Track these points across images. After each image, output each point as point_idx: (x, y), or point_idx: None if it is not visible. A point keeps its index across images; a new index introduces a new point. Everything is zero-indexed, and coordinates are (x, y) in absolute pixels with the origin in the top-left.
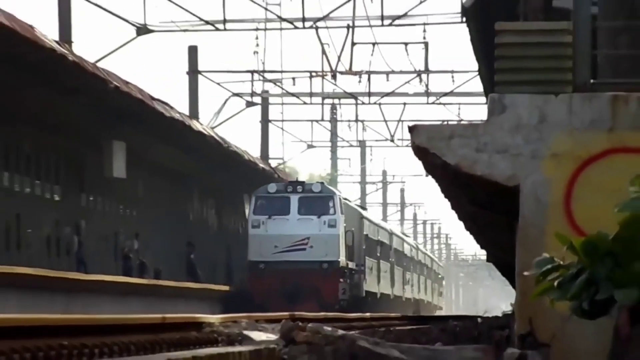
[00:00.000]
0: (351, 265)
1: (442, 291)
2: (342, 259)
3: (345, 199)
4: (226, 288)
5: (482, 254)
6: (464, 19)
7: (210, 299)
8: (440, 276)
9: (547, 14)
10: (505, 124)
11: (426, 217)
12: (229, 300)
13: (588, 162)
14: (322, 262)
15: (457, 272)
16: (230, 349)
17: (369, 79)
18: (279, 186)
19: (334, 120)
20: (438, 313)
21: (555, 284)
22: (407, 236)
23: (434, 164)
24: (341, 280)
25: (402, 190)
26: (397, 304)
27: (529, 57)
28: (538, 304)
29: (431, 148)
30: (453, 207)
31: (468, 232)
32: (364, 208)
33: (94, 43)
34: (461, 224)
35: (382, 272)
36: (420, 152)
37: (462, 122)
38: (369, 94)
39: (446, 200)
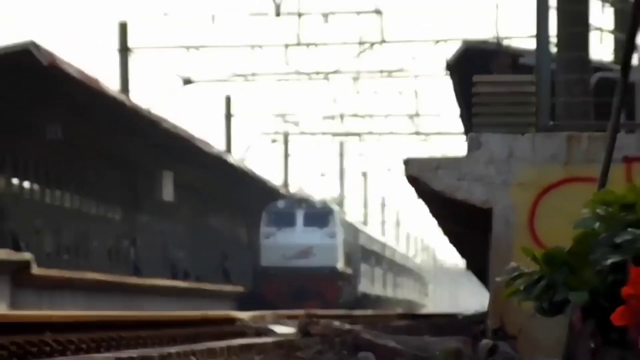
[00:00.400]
0: (348, 270)
1: (427, 292)
2: (340, 265)
3: (344, 216)
4: (241, 289)
5: (462, 263)
6: (448, 73)
7: (228, 299)
8: (426, 280)
9: (514, 69)
10: (481, 158)
11: (416, 232)
12: (243, 300)
13: (548, 189)
14: (323, 267)
15: (441, 277)
16: (257, 340)
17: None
18: (287, 202)
19: (341, 155)
20: (424, 311)
21: (522, 287)
22: (397, 248)
23: (423, 190)
24: (339, 283)
25: (397, 212)
26: (389, 304)
27: (500, 104)
28: (507, 304)
29: (421, 177)
30: (439, 225)
31: (451, 245)
32: (364, 224)
33: (147, 91)
34: (446, 239)
35: (375, 277)
36: (413, 180)
37: (446, 157)
38: (371, 133)
39: (434, 219)
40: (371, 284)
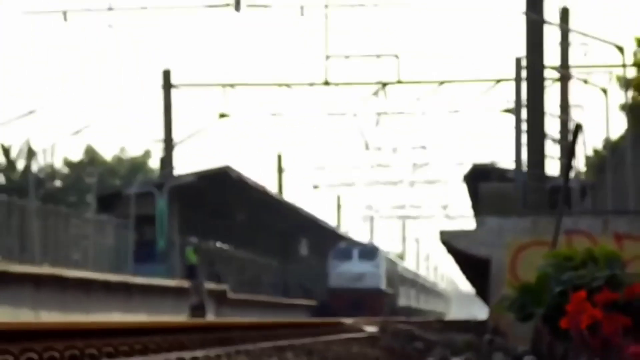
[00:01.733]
0: (390, 291)
1: (450, 307)
2: (384, 286)
3: (387, 253)
4: (314, 302)
5: (473, 290)
6: (465, 182)
7: (306, 309)
8: (448, 299)
9: (503, 180)
10: (484, 230)
11: (443, 267)
12: (315, 311)
13: (522, 249)
14: (371, 288)
15: (460, 299)
16: (356, 334)
17: None
18: (346, 244)
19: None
20: (448, 318)
21: (507, 305)
22: (427, 277)
23: (451, 248)
24: (383, 299)
25: (427, 255)
26: (421, 313)
27: (494, 200)
28: (499, 315)
29: (449, 241)
30: (460, 268)
31: (466, 278)
32: (402, 259)
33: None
34: (463, 275)
35: (410, 295)
36: (445, 243)
37: (464, 230)
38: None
39: (457, 264)
40: (407, 300)
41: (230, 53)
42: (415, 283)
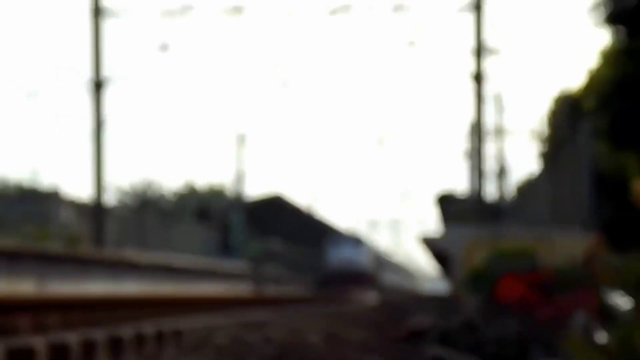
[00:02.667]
0: (374, 272)
1: (422, 285)
2: (367, 268)
3: (372, 245)
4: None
5: (439, 273)
6: (436, 203)
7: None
8: (422, 280)
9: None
10: (448, 235)
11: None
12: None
13: (472, 246)
14: (358, 269)
15: (431, 280)
16: (367, 304)
17: None
18: (338, 236)
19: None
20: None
21: (464, 284)
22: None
23: (427, 247)
24: (369, 278)
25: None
26: (401, 289)
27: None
28: (458, 290)
29: (426, 243)
30: (433, 260)
31: (435, 266)
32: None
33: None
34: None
35: (391, 276)
36: (423, 243)
37: (435, 236)
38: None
39: (430, 257)
40: (388, 279)
41: None
42: (395, 268)
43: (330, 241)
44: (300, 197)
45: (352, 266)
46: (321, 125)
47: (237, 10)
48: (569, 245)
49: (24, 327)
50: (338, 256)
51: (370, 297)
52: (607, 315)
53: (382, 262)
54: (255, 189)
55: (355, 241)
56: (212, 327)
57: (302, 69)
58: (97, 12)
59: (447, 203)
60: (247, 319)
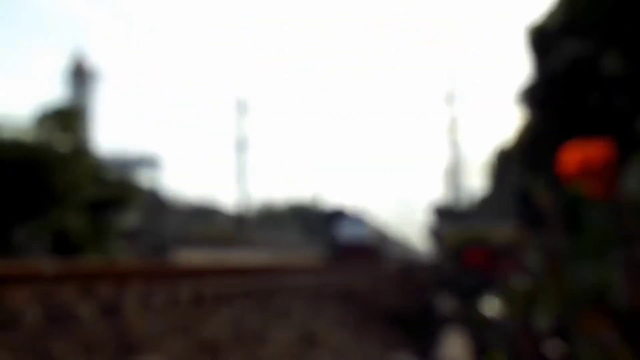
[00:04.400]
0: (380, 246)
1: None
2: (371, 243)
3: (375, 223)
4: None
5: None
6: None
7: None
8: (420, 255)
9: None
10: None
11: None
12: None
13: (451, 233)
14: (363, 244)
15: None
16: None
17: None
18: (345, 215)
19: None
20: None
21: (445, 256)
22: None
23: (431, 231)
24: (372, 251)
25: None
26: (403, 260)
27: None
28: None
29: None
30: (430, 238)
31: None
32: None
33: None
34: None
35: (393, 250)
36: (428, 228)
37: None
38: None
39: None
40: (391, 253)
41: None
42: (400, 245)
43: (339, 221)
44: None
45: (357, 241)
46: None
47: None
48: (505, 232)
49: (206, 284)
50: (345, 233)
51: (389, 266)
52: (525, 273)
53: (384, 238)
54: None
55: (359, 221)
56: (301, 284)
57: None
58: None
59: (438, 210)
60: (322, 280)
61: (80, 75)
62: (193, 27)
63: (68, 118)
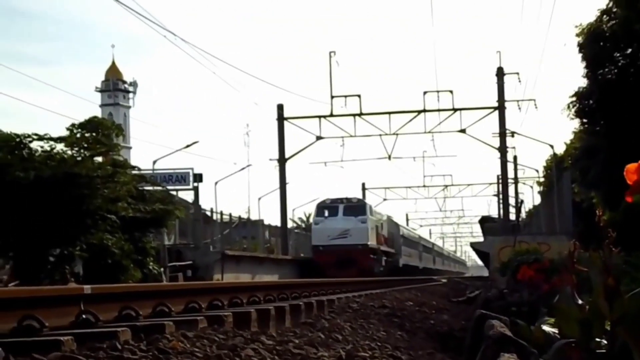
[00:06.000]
0: (390, 249)
1: (467, 270)
2: (372, 243)
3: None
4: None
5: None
6: (479, 222)
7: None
8: (466, 265)
9: (490, 221)
10: (486, 241)
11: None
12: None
13: (501, 248)
14: (357, 245)
15: (476, 267)
16: (436, 283)
17: None
18: (332, 200)
19: None
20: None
21: (497, 270)
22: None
23: (475, 248)
24: (372, 256)
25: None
26: (430, 272)
27: (490, 232)
28: (493, 273)
29: (474, 245)
30: (478, 255)
31: (480, 259)
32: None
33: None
34: (479, 257)
35: (412, 255)
36: (472, 245)
37: (478, 242)
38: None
39: (476, 253)
40: (411, 259)
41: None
42: (427, 249)
43: (319, 206)
44: None
45: (346, 241)
46: None
47: None
48: (558, 247)
49: (243, 301)
50: (329, 227)
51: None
52: (581, 289)
53: (405, 240)
54: None
55: (354, 206)
56: (349, 298)
57: None
58: (281, 118)
59: (486, 223)
60: (365, 293)
61: (117, 89)
62: (226, 36)
63: (105, 132)
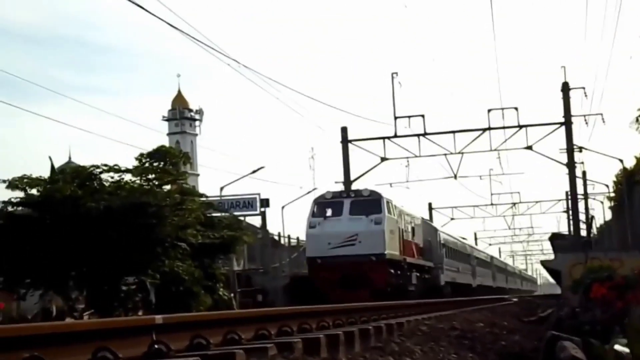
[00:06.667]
0: (425, 262)
1: (537, 288)
2: (392, 252)
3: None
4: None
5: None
6: (549, 239)
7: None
8: (536, 284)
9: (559, 238)
10: (558, 259)
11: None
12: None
13: (573, 265)
14: (369, 255)
15: (548, 285)
16: (505, 302)
17: None
18: (335, 193)
19: None
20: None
21: (569, 287)
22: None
23: (545, 266)
24: (391, 270)
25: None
26: (489, 291)
27: (560, 249)
28: (566, 290)
29: (545, 263)
30: (549, 273)
31: (551, 277)
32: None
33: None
34: (550, 275)
35: (462, 270)
36: (543, 264)
37: (549, 259)
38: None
39: (547, 271)
40: (459, 275)
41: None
42: (483, 262)
43: (317, 202)
44: None
45: (354, 250)
46: None
47: None
48: (631, 263)
49: (312, 326)
50: (328, 233)
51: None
52: None
53: (448, 249)
54: None
55: (366, 202)
56: (419, 320)
57: None
58: (346, 141)
59: (556, 240)
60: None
61: (183, 117)
62: (288, 62)
63: (172, 161)
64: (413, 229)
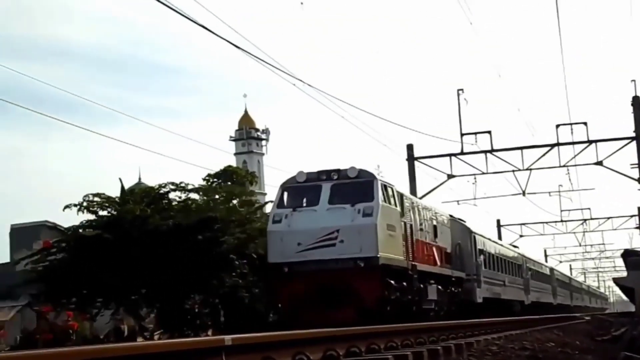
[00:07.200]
0: (453, 272)
1: (607, 305)
2: (387, 254)
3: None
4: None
5: (627, 298)
6: (621, 256)
7: None
8: (607, 300)
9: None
10: (631, 276)
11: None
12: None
13: None
14: (356, 258)
15: (620, 302)
16: (580, 320)
17: None
18: (309, 174)
19: None
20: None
21: None
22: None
23: (617, 283)
24: (390, 281)
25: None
26: (543, 308)
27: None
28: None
29: (617, 280)
30: (621, 290)
31: (624, 294)
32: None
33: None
34: (623, 292)
35: (508, 283)
36: (614, 281)
37: (622, 276)
38: None
39: (619, 288)
40: (505, 290)
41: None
42: (539, 275)
43: (284, 188)
44: None
45: (334, 252)
46: None
47: None
48: None
49: (381, 347)
50: (296, 231)
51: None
52: None
53: (491, 257)
54: None
55: (352, 184)
56: (488, 340)
57: None
58: (412, 158)
59: (629, 256)
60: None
61: (250, 137)
62: (352, 80)
63: (240, 181)
64: (434, 227)
